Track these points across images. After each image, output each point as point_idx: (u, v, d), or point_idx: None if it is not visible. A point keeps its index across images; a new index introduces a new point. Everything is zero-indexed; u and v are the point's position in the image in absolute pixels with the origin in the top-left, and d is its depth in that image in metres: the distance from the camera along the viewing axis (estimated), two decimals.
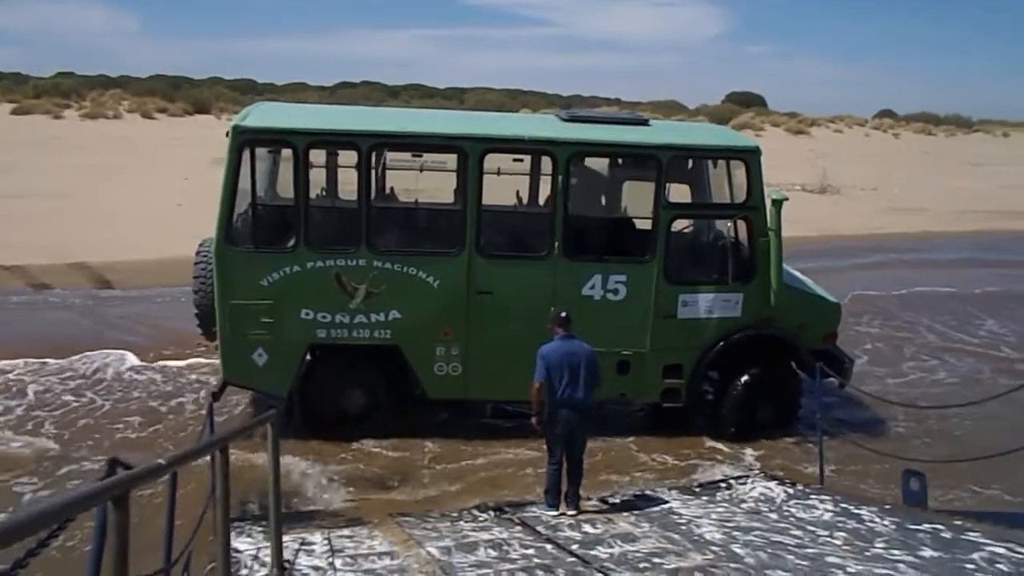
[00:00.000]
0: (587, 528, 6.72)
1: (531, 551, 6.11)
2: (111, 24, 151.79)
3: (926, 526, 6.41)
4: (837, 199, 28.67)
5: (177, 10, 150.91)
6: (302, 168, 8.28)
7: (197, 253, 9.09)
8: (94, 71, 58.49)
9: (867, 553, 5.90)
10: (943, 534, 6.21)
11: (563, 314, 7.09)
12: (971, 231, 25.02)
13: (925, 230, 24.80)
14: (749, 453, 8.94)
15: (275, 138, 8.55)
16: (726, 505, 7.39)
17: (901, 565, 5.58)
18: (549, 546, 6.24)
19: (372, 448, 8.63)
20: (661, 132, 9.36)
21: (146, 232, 17.48)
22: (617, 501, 7.55)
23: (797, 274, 10.00)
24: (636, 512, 7.19)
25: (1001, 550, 5.77)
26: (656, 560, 5.82)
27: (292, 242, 8.43)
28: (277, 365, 8.46)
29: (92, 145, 30.88)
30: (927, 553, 5.83)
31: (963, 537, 6.12)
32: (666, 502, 7.47)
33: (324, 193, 9.74)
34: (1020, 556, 5.66)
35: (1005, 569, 5.45)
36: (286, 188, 9.39)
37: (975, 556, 5.69)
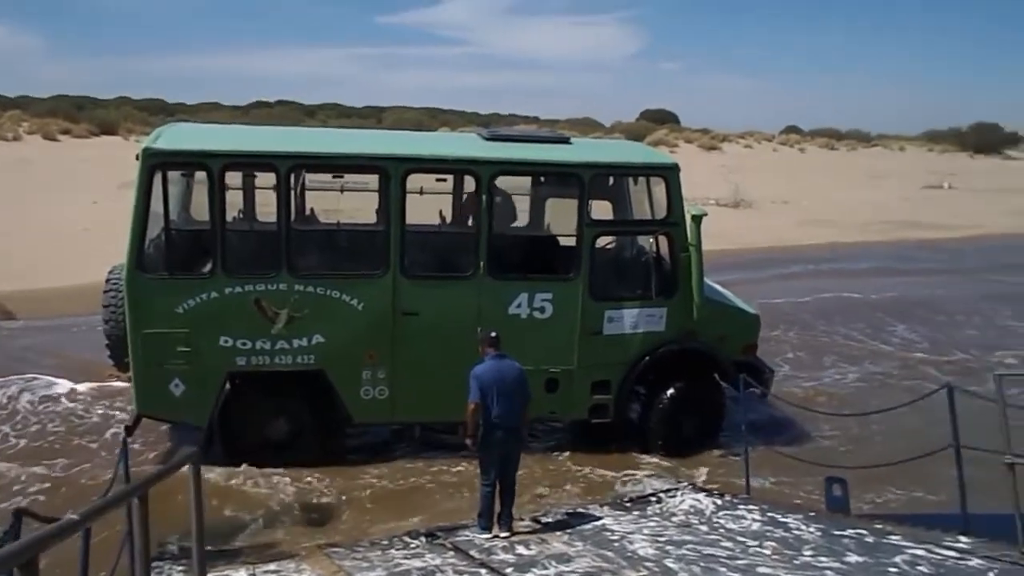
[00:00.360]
0: (521, 550, 6.65)
1: None
2: (11, 42, 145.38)
3: (850, 531, 6.58)
4: (751, 213, 29.56)
5: (82, 27, 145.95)
6: (218, 191, 8.03)
7: (107, 280, 8.73)
8: None
9: (796, 561, 6.01)
10: (866, 539, 6.39)
11: (492, 334, 7.05)
12: (877, 241, 26.12)
13: (834, 241, 25.77)
14: (677, 466, 9.02)
15: (188, 161, 8.27)
16: (657, 519, 7.43)
17: (829, 572, 5.71)
18: (483, 571, 6.15)
19: (297, 476, 8.35)
20: (583, 150, 9.44)
21: (51, 259, 16.69)
22: (550, 520, 7.50)
23: (717, 287, 10.20)
24: (569, 531, 7.15)
25: (921, 552, 5.97)
26: None
27: (208, 267, 8.16)
28: (195, 395, 8.15)
29: None
30: (852, 558, 5.98)
31: (885, 541, 6.31)
32: (598, 519, 7.46)
33: (241, 216, 9.47)
34: (939, 557, 5.87)
35: (925, 571, 5.64)
36: (200, 211, 9.12)
37: (897, 559, 5.87)
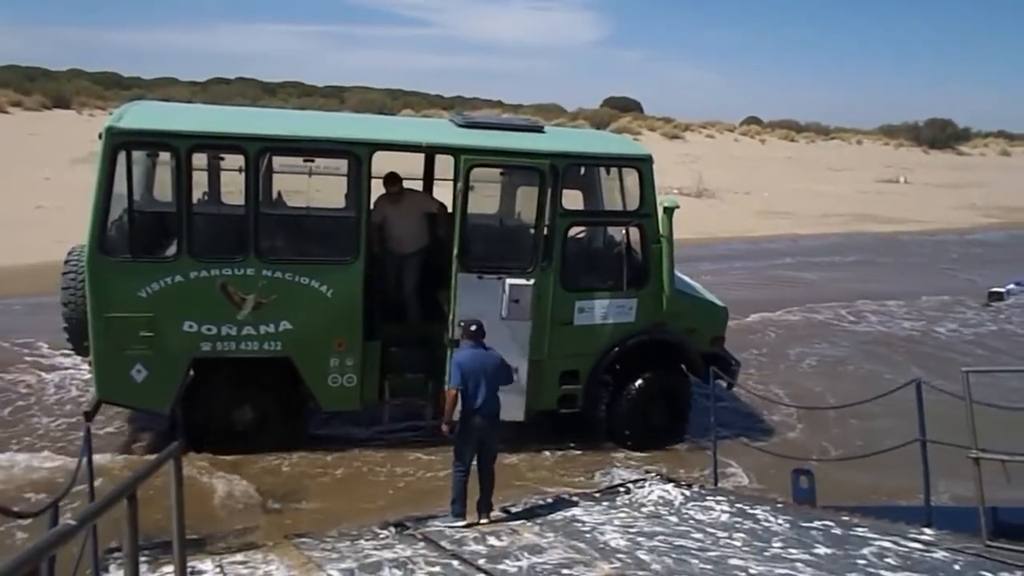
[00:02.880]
0: (492, 541, 6.62)
1: (437, 568, 5.96)
2: None
3: (817, 523, 6.67)
4: (713, 203, 29.80)
5: None
6: (184, 173, 7.81)
7: (66, 262, 8.45)
8: None
9: (766, 553, 6.07)
10: (834, 531, 6.48)
11: (473, 327, 7.01)
12: (836, 232, 26.53)
13: (793, 232, 26.13)
14: (644, 456, 9.07)
15: (154, 141, 8.03)
16: (627, 510, 7.45)
17: (799, 564, 5.76)
18: (455, 562, 6.10)
19: (262, 464, 8.25)
20: (557, 139, 9.37)
21: (1, 236, 16.16)
22: (519, 510, 7.50)
23: (686, 279, 10.25)
24: (539, 521, 7.16)
25: (888, 544, 6.07)
26: (565, 571, 5.78)
27: (173, 250, 7.95)
28: (158, 381, 7.96)
29: None
30: (821, 550, 6.05)
31: (852, 533, 6.41)
32: (568, 509, 7.47)
33: (206, 198, 9.24)
34: (905, 549, 5.97)
35: (893, 562, 5.73)
36: (164, 193, 8.89)
37: (865, 551, 5.96)
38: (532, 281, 8.21)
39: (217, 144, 8.34)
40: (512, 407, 8.05)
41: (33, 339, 11.31)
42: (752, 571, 5.65)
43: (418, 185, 9.95)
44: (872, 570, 5.59)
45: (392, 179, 8.99)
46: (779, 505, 7.29)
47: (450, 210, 8.88)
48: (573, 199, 9.44)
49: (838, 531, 6.45)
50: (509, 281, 8.12)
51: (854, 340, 14.23)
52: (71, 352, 9.08)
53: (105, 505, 2.88)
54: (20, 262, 14.59)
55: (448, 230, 8.56)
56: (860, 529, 6.45)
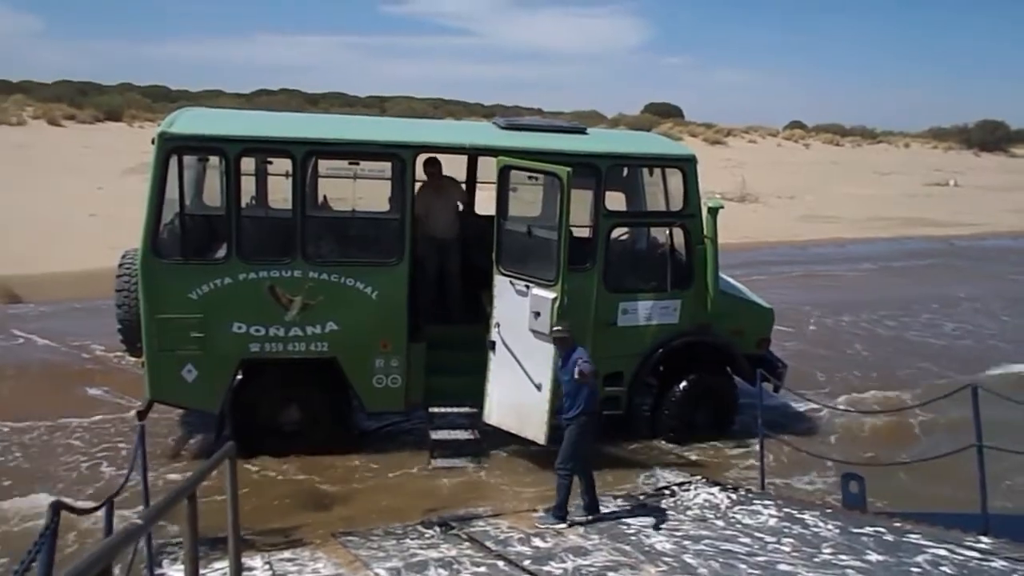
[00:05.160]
0: (537, 542, 6.61)
1: (483, 569, 5.98)
2: (13, 26, 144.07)
3: (868, 529, 6.53)
4: (756, 207, 29.45)
5: (83, 12, 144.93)
6: (234, 177, 7.95)
7: (120, 265, 8.64)
8: None
9: (816, 559, 5.96)
10: (886, 537, 6.34)
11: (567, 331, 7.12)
12: (884, 237, 26.05)
13: (840, 236, 25.70)
14: (689, 459, 8.97)
15: (205, 145, 8.17)
16: (672, 513, 7.38)
17: (850, 571, 5.66)
18: (501, 563, 6.10)
19: (309, 464, 8.34)
20: (600, 140, 9.35)
21: (57, 244, 16.61)
22: None
23: (732, 281, 10.14)
24: (584, 523, 7.12)
25: (943, 552, 5.92)
26: (611, 574, 5.75)
27: (223, 253, 8.10)
28: (208, 381, 8.10)
29: None
30: (873, 557, 5.93)
31: (905, 540, 6.26)
32: (613, 512, 7.42)
33: (254, 202, 9.40)
34: (961, 557, 5.82)
35: (949, 571, 5.59)
36: (213, 197, 9.06)
37: (919, 559, 5.82)
38: (554, 295, 7.80)
39: (265, 148, 8.46)
40: (532, 427, 8.03)
41: (88, 341, 11.60)
42: None
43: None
44: None
45: (432, 162, 9.05)
46: (828, 510, 7.15)
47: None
48: (615, 201, 9.41)
49: (890, 537, 6.31)
50: (533, 291, 7.94)
51: (913, 344, 13.95)
52: (124, 353, 9.29)
53: (168, 504, 2.94)
54: (74, 268, 14.96)
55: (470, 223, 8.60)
56: (913, 536, 6.30)
